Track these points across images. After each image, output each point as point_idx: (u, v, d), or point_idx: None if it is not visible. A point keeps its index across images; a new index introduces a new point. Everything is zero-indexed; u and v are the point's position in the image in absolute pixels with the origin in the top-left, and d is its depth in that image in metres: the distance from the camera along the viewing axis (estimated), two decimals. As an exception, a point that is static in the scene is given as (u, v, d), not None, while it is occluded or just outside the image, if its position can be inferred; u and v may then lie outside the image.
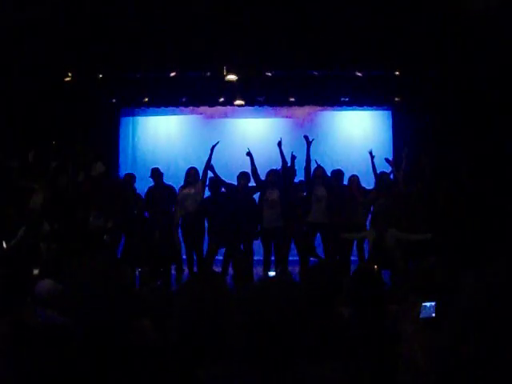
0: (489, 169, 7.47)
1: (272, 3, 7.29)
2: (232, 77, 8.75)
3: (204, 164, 7.68)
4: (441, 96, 8.51)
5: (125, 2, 7.15)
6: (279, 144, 7.62)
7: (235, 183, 7.57)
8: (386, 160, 7.94)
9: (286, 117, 10.14)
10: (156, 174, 7.86)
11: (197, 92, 9.32)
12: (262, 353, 1.55)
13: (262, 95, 9.35)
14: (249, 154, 7.58)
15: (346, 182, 7.63)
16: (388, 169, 7.85)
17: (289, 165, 7.53)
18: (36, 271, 5.40)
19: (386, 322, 2.48)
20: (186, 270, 7.64)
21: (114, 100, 9.49)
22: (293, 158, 7.54)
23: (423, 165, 7.57)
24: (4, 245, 6.96)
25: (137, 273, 6.23)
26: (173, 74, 8.77)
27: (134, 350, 1.80)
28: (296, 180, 7.71)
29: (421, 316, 2.50)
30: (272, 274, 6.02)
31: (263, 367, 1.53)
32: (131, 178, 7.98)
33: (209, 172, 7.65)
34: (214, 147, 7.72)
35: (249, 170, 7.57)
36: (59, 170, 7.78)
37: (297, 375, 1.54)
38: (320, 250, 7.72)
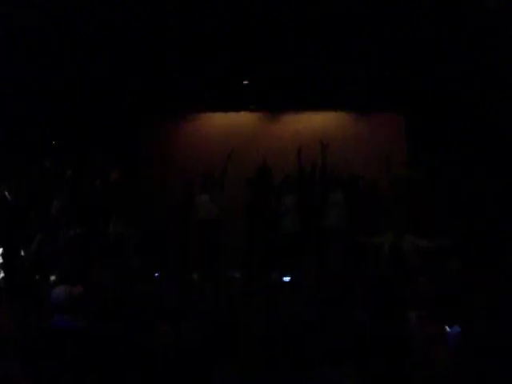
0: (503, 169, 7.41)
1: (285, 8, 7.28)
2: (246, 82, 8.79)
3: (221, 171, 7.75)
4: (453, 100, 8.44)
5: (147, 8, 7.15)
6: (298, 152, 7.65)
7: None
8: (401, 164, 7.92)
9: (300, 121, 10.12)
10: None
11: (214, 97, 9.38)
12: (277, 356, 1.54)
13: (275, 100, 9.38)
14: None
15: (362, 187, 7.61)
16: (403, 173, 7.81)
17: (308, 171, 7.59)
18: (53, 277, 5.46)
19: (403, 327, 2.46)
20: (203, 276, 7.66)
21: (134, 105, 9.56)
22: (313, 165, 7.60)
23: (437, 167, 7.53)
24: (22, 251, 7.05)
25: (155, 277, 6.25)
26: (191, 80, 8.80)
27: (152, 352, 1.81)
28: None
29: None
30: (287, 278, 6.01)
31: (279, 370, 1.53)
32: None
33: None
34: (229, 155, 7.80)
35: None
36: (77, 176, 7.85)
37: (312, 379, 1.53)
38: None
